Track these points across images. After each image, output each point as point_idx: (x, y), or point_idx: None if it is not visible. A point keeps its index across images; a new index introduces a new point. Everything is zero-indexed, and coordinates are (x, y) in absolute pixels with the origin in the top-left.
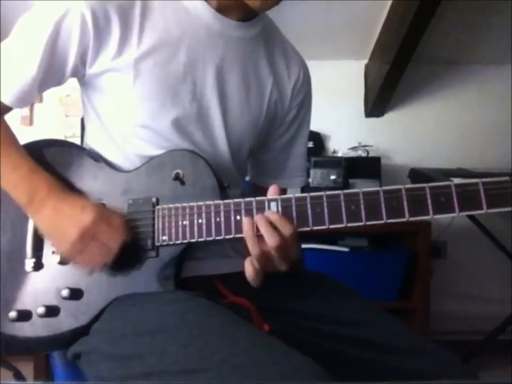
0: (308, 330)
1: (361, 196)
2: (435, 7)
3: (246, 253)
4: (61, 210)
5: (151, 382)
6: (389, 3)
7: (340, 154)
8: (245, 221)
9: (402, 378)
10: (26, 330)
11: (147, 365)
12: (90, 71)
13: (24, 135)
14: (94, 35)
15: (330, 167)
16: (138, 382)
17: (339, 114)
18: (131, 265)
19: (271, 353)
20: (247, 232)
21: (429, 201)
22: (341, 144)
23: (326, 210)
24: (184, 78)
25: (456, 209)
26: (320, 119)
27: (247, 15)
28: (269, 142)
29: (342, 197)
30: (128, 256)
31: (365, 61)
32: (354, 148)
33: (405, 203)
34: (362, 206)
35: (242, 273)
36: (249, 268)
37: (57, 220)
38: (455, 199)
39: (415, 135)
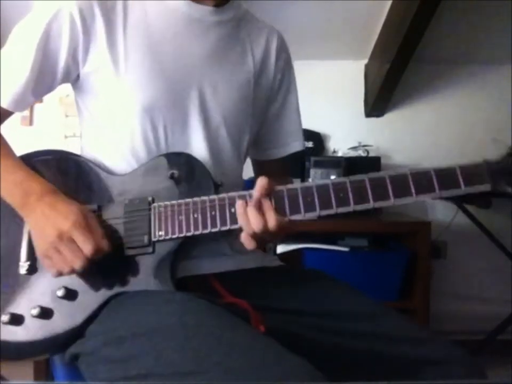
0: (308, 327)
1: (348, 184)
2: (435, 7)
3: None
4: (48, 214)
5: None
6: (389, 3)
7: (340, 154)
8: (238, 202)
9: (407, 367)
10: (19, 334)
11: (144, 366)
12: (83, 70)
13: (24, 135)
14: (82, 32)
15: (330, 167)
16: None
17: (339, 114)
18: (127, 263)
19: (266, 355)
20: (238, 210)
21: (411, 184)
22: (341, 144)
23: (316, 199)
24: (174, 68)
25: (437, 189)
26: (320, 119)
27: (220, 1)
28: (262, 114)
29: (330, 186)
30: (124, 254)
31: (365, 61)
32: (354, 148)
33: (389, 187)
34: (350, 194)
35: (239, 272)
36: (246, 240)
37: (42, 222)
38: (435, 181)
39: (415, 135)
